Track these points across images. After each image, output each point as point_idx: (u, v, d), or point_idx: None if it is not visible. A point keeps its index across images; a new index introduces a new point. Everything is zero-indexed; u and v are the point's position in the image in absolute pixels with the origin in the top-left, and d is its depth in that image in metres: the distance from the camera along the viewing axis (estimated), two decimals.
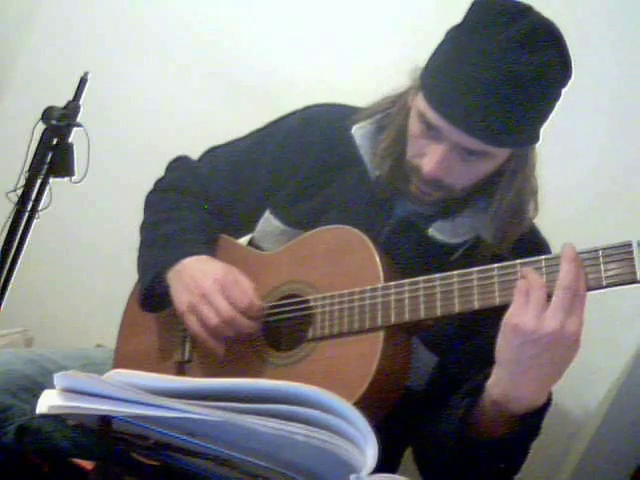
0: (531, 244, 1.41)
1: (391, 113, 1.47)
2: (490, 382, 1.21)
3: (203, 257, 1.46)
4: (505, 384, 1.19)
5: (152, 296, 1.50)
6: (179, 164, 1.72)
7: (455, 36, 1.34)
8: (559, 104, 1.36)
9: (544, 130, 1.38)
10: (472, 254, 1.39)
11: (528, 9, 1.32)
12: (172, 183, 1.68)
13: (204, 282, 1.39)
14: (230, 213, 1.62)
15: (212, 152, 1.69)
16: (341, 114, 1.54)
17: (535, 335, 1.13)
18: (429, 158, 1.35)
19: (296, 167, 1.55)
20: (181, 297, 1.42)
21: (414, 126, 1.38)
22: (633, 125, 1.85)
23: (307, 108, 1.61)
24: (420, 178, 1.38)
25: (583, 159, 1.89)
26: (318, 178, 1.52)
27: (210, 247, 1.51)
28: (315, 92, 1.68)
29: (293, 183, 1.54)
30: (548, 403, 1.21)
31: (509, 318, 1.16)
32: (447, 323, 1.35)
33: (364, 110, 1.51)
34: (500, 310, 1.20)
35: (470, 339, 1.38)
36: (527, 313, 1.14)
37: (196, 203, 1.60)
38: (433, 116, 1.33)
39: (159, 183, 1.71)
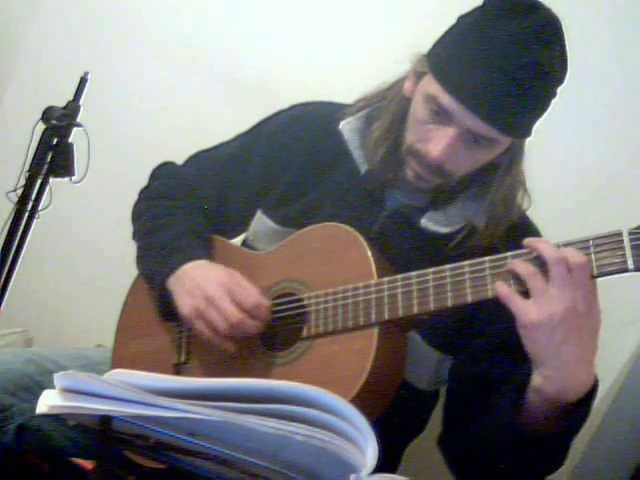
0: (523, 233, 1.42)
1: (381, 106, 1.47)
2: (539, 383, 1.18)
3: (202, 261, 1.45)
4: (557, 380, 1.16)
5: (168, 305, 1.47)
6: (163, 171, 1.71)
7: (471, 23, 1.34)
8: (561, 100, 1.37)
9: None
10: (467, 243, 1.40)
11: (539, 3, 1.33)
12: (158, 191, 1.67)
13: (208, 286, 1.38)
14: (220, 216, 1.61)
15: (198, 157, 1.68)
16: (328, 111, 1.54)
17: (556, 318, 1.13)
18: (436, 142, 1.34)
19: (285, 166, 1.55)
20: (185, 302, 1.41)
21: (419, 111, 1.38)
22: (630, 121, 1.85)
23: (293, 107, 1.62)
24: (422, 163, 1.38)
25: (580, 155, 1.89)
26: (308, 176, 1.52)
27: (207, 251, 1.51)
28: (315, 90, 1.68)
29: (283, 182, 1.54)
30: (595, 385, 1.19)
31: (523, 319, 1.15)
32: (450, 320, 1.35)
33: (351, 106, 1.52)
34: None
35: (479, 334, 1.38)
36: (535, 304, 1.14)
37: (186, 208, 1.60)
38: (447, 100, 1.32)
39: (144, 192, 1.69)
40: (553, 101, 1.36)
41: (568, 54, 1.34)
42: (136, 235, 1.62)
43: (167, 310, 1.49)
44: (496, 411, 1.26)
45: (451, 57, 1.34)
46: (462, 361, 1.41)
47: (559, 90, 1.36)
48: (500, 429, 1.24)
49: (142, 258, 1.57)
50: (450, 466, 1.40)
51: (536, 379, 1.19)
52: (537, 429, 1.21)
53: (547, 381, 1.17)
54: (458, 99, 1.31)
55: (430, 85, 1.35)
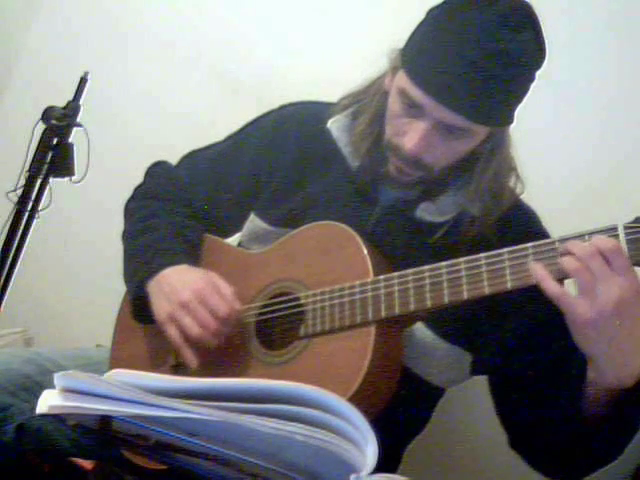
0: (516, 223, 1.42)
1: (365, 102, 1.48)
2: (594, 376, 1.19)
3: (182, 266, 1.46)
4: (615, 369, 1.16)
5: (142, 308, 1.50)
6: (158, 170, 1.72)
7: (437, 15, 1.34)
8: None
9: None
10: (458, 232, 1.39)
11: None
12: (151, 190, 1.67)
13: (183, 292, 1.39)
14: (213, 216, 1.62)
15: (191, 156, 1.69)
16: (316, 110, 1.55)
17: (606, 314, 1.11)
18: (411, 136, 1.35)
19: (276, 167, 1.55)
20: (160, 307, 1.42)
21: (394, 105, 1.38)
22: (627, 118, 1.85)
23: (282, 107, 1.62)
24: (400, 157, 1.38)
25: (577, 151, 1.89)
26: (299, 176, 1.52)
27: (189, 254, 1.51)
28: (316, 89, 1.68)
29: (274, 183, 1.55)
30: None
31: (576, 318, 1.13)
32: (462, 311, 1.34)
33: (338, 104, 1.52)
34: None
35: (498, 329, 1.38)
36: (586, 301, 1.12)
37: (174, 209, 1.60)
38: (416, 93, 1.33)
39: (138, 190, 1.70)
40: (532, 85, 1.35)
41: (545, 38, 1.32)
42: (124, 235, 1.63)
43: (139, 314, 1.50)
44: (557, 409, 1.27)
45: (418, 50, 1.35)
46: (495, 357, 1.39)
47: (539, 73, 1.34)
48: (564, 424, 1.26)
49: (126, 261, 1.57)
50: (533, 466, 1.38)
51: (591, 373, 1.20)
52: (598, 415, 1.23)
53: (603, 373, 1.18)
54: (426, 91, 1.31)
55: (402, 79, 1.36)
